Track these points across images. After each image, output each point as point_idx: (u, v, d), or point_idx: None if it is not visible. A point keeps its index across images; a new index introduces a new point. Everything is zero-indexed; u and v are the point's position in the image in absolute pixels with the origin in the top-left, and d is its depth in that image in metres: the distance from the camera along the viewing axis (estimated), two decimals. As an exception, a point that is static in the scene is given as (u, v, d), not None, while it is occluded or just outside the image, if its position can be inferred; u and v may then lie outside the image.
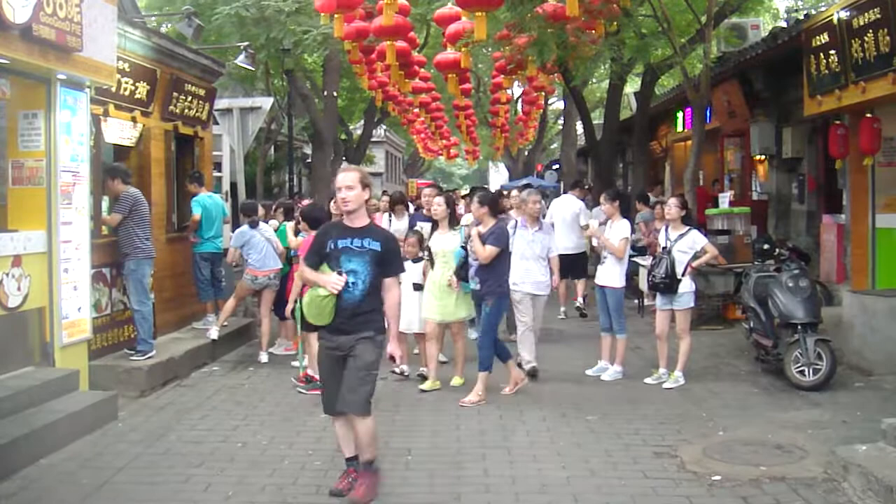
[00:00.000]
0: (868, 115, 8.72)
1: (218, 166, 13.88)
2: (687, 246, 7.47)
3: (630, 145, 17.70)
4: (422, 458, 5.54)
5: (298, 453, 5.61)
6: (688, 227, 7.63)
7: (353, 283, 4.61)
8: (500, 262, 7.12)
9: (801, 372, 7.04)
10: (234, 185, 13.16)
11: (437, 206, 7.54)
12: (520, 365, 7.58)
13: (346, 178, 4.69)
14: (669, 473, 5.15)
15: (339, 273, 4.60)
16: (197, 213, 9.10)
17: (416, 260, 7.80)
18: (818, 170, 11.04)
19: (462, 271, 7.25)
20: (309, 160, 22.20)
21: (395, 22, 7.73)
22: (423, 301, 7.55)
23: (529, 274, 7.71)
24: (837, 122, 9.45)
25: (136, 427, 6.32)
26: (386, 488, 4.94)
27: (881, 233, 9.12)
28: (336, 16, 7.80)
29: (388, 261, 4.73)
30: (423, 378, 7.53)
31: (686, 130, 15.48)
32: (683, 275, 7.39)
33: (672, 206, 7.67)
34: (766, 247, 8.44)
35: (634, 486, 4.94)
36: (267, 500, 4.81)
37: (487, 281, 7.04)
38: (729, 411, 6.55)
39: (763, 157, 12.27)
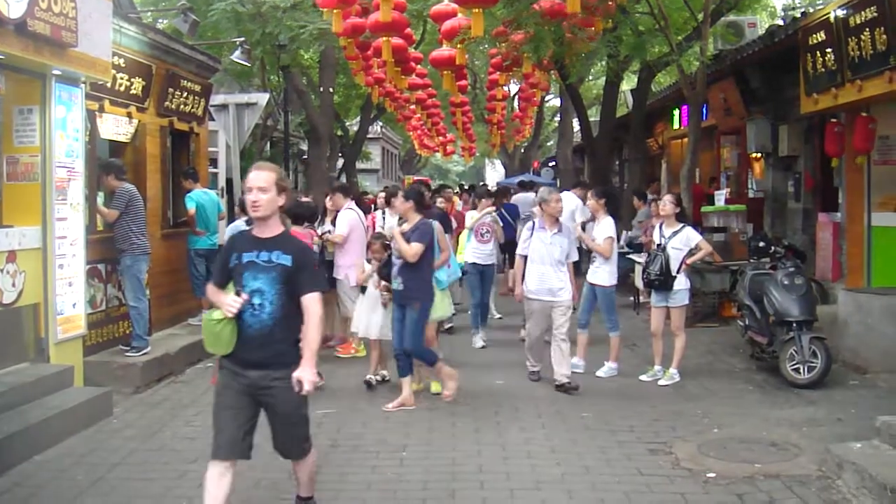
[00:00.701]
0: (863, 115, 8.73)
1: (214, 162, 13.83)
2: (681, 243, 7.48)
3: (626, 142, 17.69)
4: (417, 454, 5.53)
5: (293, 449, 5.58)
6: (682, 224, 7.63)
7: (259, 305, 3.83)
8: (425, 262, 6.62)
9: (797, 370, 7.05)
10: (229, 182, 13.12)
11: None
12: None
13: (259, 177, 3.89)
14: (664, 470, 5.16)
15: (238, 293, 3.85)
16: (191, 207, 9.10)
17: None
18: (814, 168, 11.03)
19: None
20: (305, 156, 22.19)
21: (391, 18, 7.71)
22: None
23: (545, 280, 7.18)
24: (834, 120, 9.47)
25: (131, 423, 6.31)
26: (381, 485, 4.96)
27: (877, 231, 9.13)
28: (335, 11, 7.79)
29: (300, 276, 3.88)
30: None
31: (682, 128, 15.46)
32: (678, 272, 7.40)
33: (666, 203, 7.68)
34: (761, 244, 8.45)
35: (629, 483, 4.94)
36: (262, 495, 4.81)
37: (411, 282, 6.54)
38: (724, 408, 6.56)
39: (759, 154, 12.25)
